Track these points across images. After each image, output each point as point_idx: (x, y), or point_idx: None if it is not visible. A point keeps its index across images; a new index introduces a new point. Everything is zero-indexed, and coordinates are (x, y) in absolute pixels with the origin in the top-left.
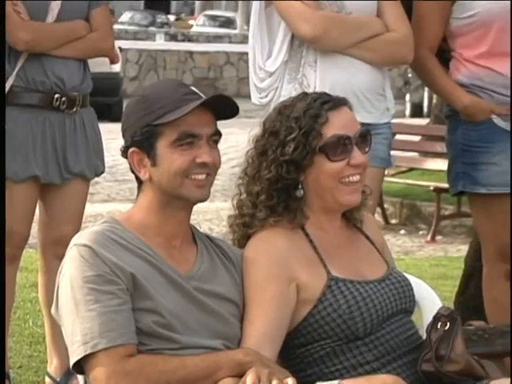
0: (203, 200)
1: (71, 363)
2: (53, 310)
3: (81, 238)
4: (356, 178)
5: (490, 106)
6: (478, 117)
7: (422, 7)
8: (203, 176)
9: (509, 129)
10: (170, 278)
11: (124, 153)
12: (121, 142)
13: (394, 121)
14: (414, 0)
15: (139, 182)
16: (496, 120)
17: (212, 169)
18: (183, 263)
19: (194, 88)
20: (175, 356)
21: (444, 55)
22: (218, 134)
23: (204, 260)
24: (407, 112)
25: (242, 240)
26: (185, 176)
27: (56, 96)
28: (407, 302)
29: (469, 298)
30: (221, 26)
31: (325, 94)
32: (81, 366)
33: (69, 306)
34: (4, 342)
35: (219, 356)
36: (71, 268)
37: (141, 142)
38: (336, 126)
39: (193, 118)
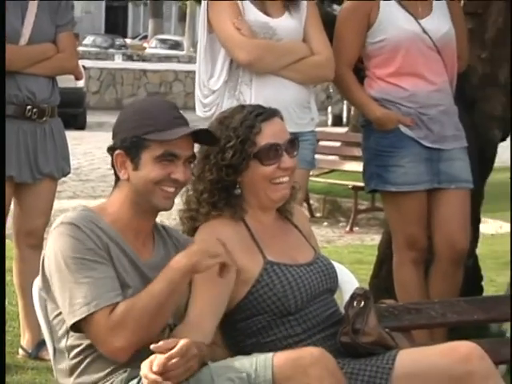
0: (167, 209)
1: (72, 322)
2: (39, 283)
3: (66, 218)
4: (285, 179)
5: (398, 117)
6: (388, 126)
7: (341, 33)
8: (172, 189)
9: (414, 136)
10: (132, 262)
11: (110, 150)
12: (84, 147)
13: (318, 129)
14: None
15: (117, 178)
16: (403, 129)
17: (181, 185)
18: (144, 253)
19: (182, 113)
20: (141, 292)
21: (360, 73)
22: (194, 157)
23: (160, 249)
24: (329, 122)
25: (190, 231)
26: (157, 185)
27: (28, 107)
28: (331, 283)
29: (381, 280)
30: (170, 48)
31: (259, 106)
32: (75, 326)
33: (64, 276)
34: (4, 338)
35: (167, 273)
36: (61, 243)
37: (128, 148)
38: (268, 135)
39: (177, 141)
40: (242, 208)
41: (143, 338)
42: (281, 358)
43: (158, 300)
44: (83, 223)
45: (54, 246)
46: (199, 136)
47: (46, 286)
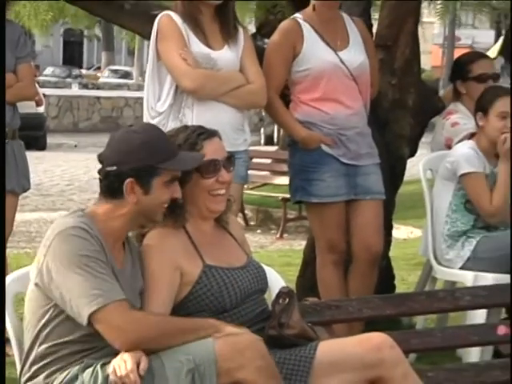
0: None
1: (89, 313)
2: (37, 280)
3: (70, 222)
4: (222, 191)
5: (320, 137)
6: (311, 145)
7: (270, 63)
8: (165, 206)
9: (334, 154)
10: (112, 269)
11: (112, 176)
12: (45, 166)
13: (252, 148)
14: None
15: (108, 195)
16: (324, 148)
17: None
18: (118, 260)
19: (178, 145)
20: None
21: (286, 98)
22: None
23: (128, 257)
24: (262, 141)
25: (139, 237)
26: (161, 206)
27: None
28: (262, 284)
29: (307, 280)
30: (121, 77)
31: (200, 127)
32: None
33: (73, 273)
34: (3, 339)
35: (203, 324)
36: (73, 243)
37: (140, 176)
38: (209, 151)
39: None
40: (183, 217)
41: (140, 345)
42: (221, 341)
43: (178, 330)
44: (88, 228)
45: (64, 246)
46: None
47: (42, 284)
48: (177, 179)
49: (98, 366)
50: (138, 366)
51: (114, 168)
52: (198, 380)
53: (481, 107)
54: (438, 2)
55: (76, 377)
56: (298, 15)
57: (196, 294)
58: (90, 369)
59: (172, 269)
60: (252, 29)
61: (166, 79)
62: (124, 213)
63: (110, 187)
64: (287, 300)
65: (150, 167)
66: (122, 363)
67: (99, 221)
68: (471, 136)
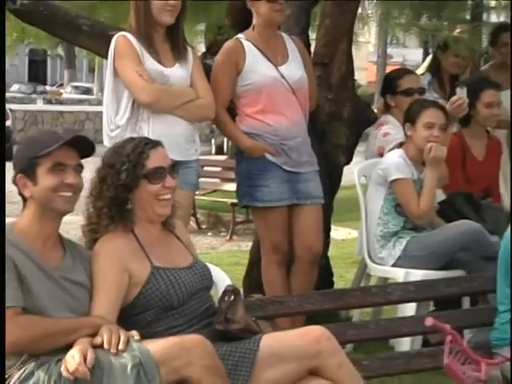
0: (69, 212)
1: None
2: None
3: None
4: (168, 196)
5: (264, 147)
6: (256, 154)
7: (216, 79)
8: (69, 193)
9: (277, 162)
10: (43, 270)
11: (14, 181)
12: (11, 175)
13: (203, 157)
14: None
15: (24, 200)
16: (268, 156)
17: (76, 189)
18: (53, 259)
19: (61, 133)
20: (50, 317)
21: (232, 112)
22: (81, 165)
23: (68, 257)
24: (213, 151)
25: (91, 242)
26: (55, 192)
27: None
28: (207, 282)
29: (253, 279)
30: (82, 93)
31: (146, 138)
32: None
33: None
34: (4, 339)
35: (82, 319)
36: None
37: (25, 170)
38: (155, 159)
39: (63, 153)
40: (132, 221)
41: (31, 348)
42: (168, 341)
43: (60, 327)
44: (8, 235)
45: None
46: (82, 149)
47: None
48: (62, 165)
49: (53, 363)
50: (86, 360)
51: (13, 174)
52: (143, 375)
53: (409, 118)
54: (373, 23)
55: (32, 373)
56: (240, 35)
57: (145, 293)
58: (46, 366)
59: (121, 271)
60: (202, 48)
61: (124, 95)
62: (33, 211)
63: (19, 193)
64: (232, 297)
65: (30, 159)
66: (71, 359)
67: (22, 227)
68: (400, 145)
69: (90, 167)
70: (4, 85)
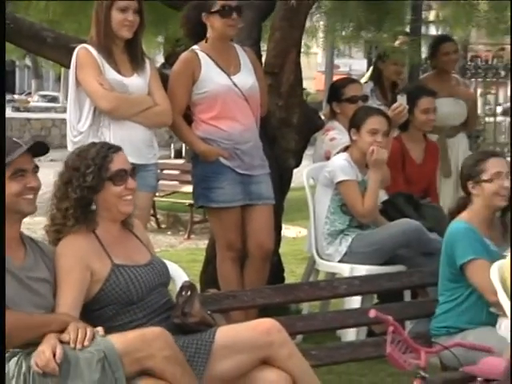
0: (32, 213)
1: None
2: None
3: None
4: (130, 197)
5: (218, 151)
6: (211, 158)
7: (173, 88)
8: (31, 196)
9: (230, 165)
10: (8, 270)
11: None
12: None
13: (163, 161)
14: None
15: None
16: (222, 160)
17: (37, 190)
18: (17, 259)
19: (18, 140)
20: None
21: (189, 118)
22: (37, 166)
23: (29, 254)
24: (172, 155)
25: (54, 242)
26: (19, 197)
27: None
28: (165, 278)
29: (209, 275)
30: (49, 101)
31: (107, 143)
32: None
33: None
34: (4, 339)
35: (49, 315)
36: None
37: None
38: (118, 163)
39: (21, 159)
40: (95, 221)
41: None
42: (130, 334)
43: (31, 321)
44: None
45: None
46: (36, 151)
47: None
48: (22, 170)
49: (23, 356)
50: (54, 355)
51: None
52: (108, 368)
53: (354, 124)
54: (320, 36)
55: (18, 360)
56: (195, 47)
57: (106, 290)
58: (16, 358)
59: (83, 269)
60: (162, 59)
61: (86, 103)
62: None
63: None
64: (189, 292)
65: None
66: (41, 354)
67: None
68: (346, 149)
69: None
70: (4, 85)
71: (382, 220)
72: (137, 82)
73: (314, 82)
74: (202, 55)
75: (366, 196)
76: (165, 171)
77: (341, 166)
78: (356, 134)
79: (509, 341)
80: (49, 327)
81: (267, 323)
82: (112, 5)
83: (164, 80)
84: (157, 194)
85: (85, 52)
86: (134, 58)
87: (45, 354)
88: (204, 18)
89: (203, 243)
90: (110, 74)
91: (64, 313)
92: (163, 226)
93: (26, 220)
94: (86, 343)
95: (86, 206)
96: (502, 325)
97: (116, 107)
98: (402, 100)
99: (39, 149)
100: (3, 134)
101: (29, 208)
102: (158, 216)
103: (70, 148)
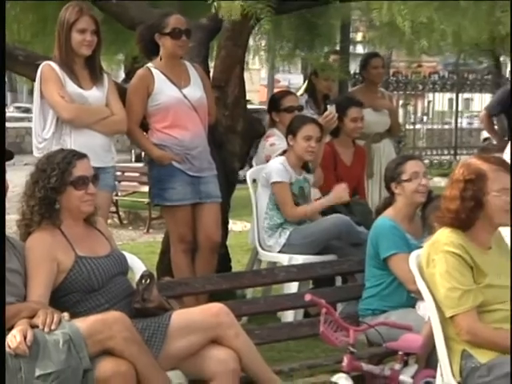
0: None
1: None
2: None
3: None
4: (90, 200)
5: (171, 156)
6: (164, 162)
7: (130, 100)
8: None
9: (182, 168)
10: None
11: None
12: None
13: (124, 164)
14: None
15: None
16: (175, 163)
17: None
18: None
19: None
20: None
21: (145, 127)
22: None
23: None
24: (132, 159)
25: (25, 235)
26: None
27: None
28: (123, 268)
29: (165, 265)
30: (23, 112)
31: (74, 150)
32: None
33: None
34: (4, 337)
35: (21, 304)
36: None
37: None
38: (80, 169)
39: None
40: (59, 219)
41: None
42: (92, 318)
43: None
44: None
45: None
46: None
47: None
48: None
49: None
50: (25, 338)
51: None
52: (73, 349)
53: (290, 131)
54: (262, 53)
55: None
56: (150, 64)
57: (70, 278)
58: None
59: (50, 261)
60: (123, 74)
61: (49, 113)
62: None
63: None
64: (148, 280)
65: None
66: (13, 338)
67: None
68: (284, 152)
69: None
70: (4, 86)
71: (316, 215)
72: (96, 94)
73: (258, 95)
74: (155, 71)
75: (307, 207)
76: (126, 173)
77: (276, 168)
78: (292, 140)
79: (426, 319)
80: (20, 315)
81: (216, 307)
82: (72, 27)
83: (124, 93)
84: (119, 194)
85: (48, 68)
86: (93, 72)
87: (16, 337)
88: (157, 38)
89: (160, 237)
90: (71, 87)
91: (34, 300)
92: (125, 221)
93: None
94: (53, 327)
95: (50, 205)
96: (421, 306)
97: (75, 117)
98: (331, 109)
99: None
100: (3, 134)
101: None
102: (121, 213)
103: (35, 153)
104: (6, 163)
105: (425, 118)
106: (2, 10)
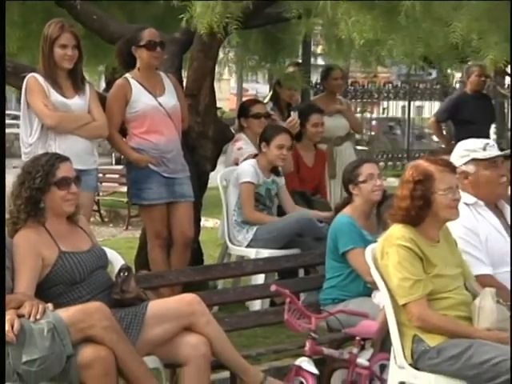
0: None
1: None
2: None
3: None
4: (72, 199)
5: (147, 159)
6: (141, 165)
7: (110, 107)
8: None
9: (158, 170)
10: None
11: None
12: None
13: (105, 166)
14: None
15: None
16: (151, 166)
17: None
18: None
19: None
20: None
21: (123, 132)
22: None
23: None
24: (113, 162)
25: (12, 231)
26: None
27: None
28: (103, 262)
29: (142, 259)
30: (12, 119)
31: (57, 154)
32: None
33: None
34: (3, 338)
35: (9, 296)
36: None
37: None
38: (63, 171)
39: None
40: (44, 217)
41: None
42: (74, 308)
43: None
44: None
45: None
46: None
47: None
48: None
49: None
50: (12, 327)
51: None
52: (56, 336)
53: (264, 139)
54: (231, 65)
55: None
56: (127, 75)
57: (54, 272)
58: None
59: (35, 256)
60: (104, 84)
61: (35, 120)
62: None
63: None
64: (126, 273)
65: None
66: None
67: None
68: (255, 156)
69: None
70: (4, 86)
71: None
72: (78, 102)
73: (228, 103)
74: (132, 81)
75: (264, 217)
76: (107, 175)
77: (247, 170)
78: (266, 147)
79: (380, 307)
80: (9, 305)
81: (189, 297)
82: (54, 42)
83: (105, 101)
84: (100, 194)
85: (33, 79)
86: (76, 83)
87: (4, 326)
88: (133, 51)
89: (138, 233)
90: (55, 96)
91: (21, 292)
92: (106, 219)
93: None
94: (38, 316)
95: (35, 204)
96: (376, 295)
97: (58, 123)
98: (294, 115)
99: None
100: (3, 135)
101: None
102: (102, 211)
103: (23, 157)
104: None
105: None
106: (2, 10)
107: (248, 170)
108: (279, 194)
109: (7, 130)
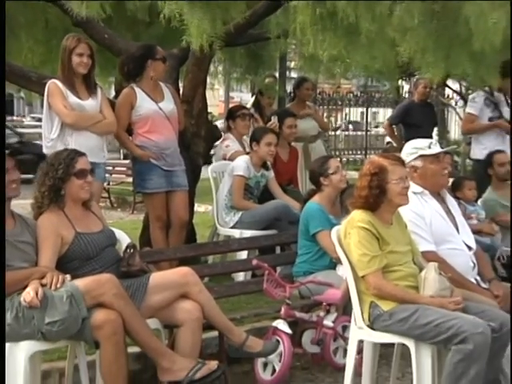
0: (16, 196)
1: None
2: None
3: None
4: (88, 188)
5: (150, 154)
6: (144, 159)
7: (118, 111)
8: (15, 185)
9: (158, 164)
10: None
11: None
12: None
13: (114, 161)
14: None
15: None
16: (152, 160)
17: (18, 181)
18: (8, 226)
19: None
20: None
21: (130, 132)
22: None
23: (17, 225)
24: (121, 157)
25: (37, 214)
26: (8, 186)
27: None
28: (113, 240)
29: (145, 238)
30: (37, 121)
31: (76, 150)
32: None
33: None
34: (4, 337)
35: (33, 268)
36: None
37: None
38: (81, 163)
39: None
40: (63, 202)
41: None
42: (89, 279)
43: (18, 280)
44: None
45: None
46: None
47: None
48: (7, 169)
49: (15, 295)
50: (37, 294)
51: None
52: (73, 302)
53: (254, 139)
54: (220, 76)
55: (11, 299)
56: (133, 84)
57: (72, 249)
58: (11, 297)
59: (56, 235)
60: (113, 92)
61: (55, 119)
62: None
63: None
64: (132, 250)
65: None
66: (27, 294)
67: None
68: (248, 153)
69: None
70: (4, 87)
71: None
72: (91, 103)
73: (217, 108)
74: (137, 90)
75: (249, 205)
76: (116, 168)
77: (240, 164)
78: (256, 146)
79: (344, 278)
80: (32, 277)
81: (184, 269)
82: (72, 52)
83: (114, 106)
84: (110, 183)
85: (54, 84)
86: (89, 87)
87: (30, 293)
88: (149, 63)
89: (142, 217)
90: (72, 98)
91: (43, 265)
92: (115, 205)
93: (21, 202)
94: (58, 285)
95: (57, 191)
96: (340, 268)
97: (75, 121)
98: (274, 119)
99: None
100: (3, 136)
101: (13, 193)
102: (112, 198)
103: (45, 151)
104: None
105: (343, 126)
106: (2, 10)
107: (241, 165)
108: (269, 185)
109: (33, 130)
